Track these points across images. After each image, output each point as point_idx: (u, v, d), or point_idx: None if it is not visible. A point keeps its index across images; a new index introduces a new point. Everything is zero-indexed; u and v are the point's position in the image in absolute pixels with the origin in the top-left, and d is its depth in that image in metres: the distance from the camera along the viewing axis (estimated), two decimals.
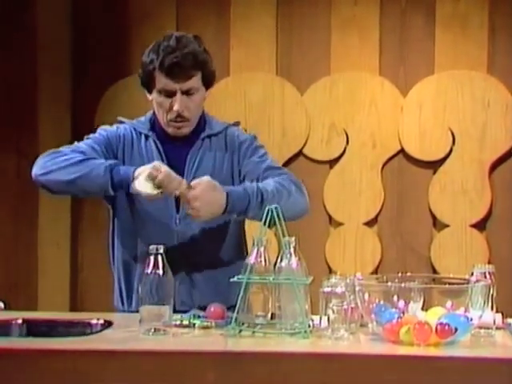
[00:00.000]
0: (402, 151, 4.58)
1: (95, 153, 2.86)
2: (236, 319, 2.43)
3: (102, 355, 2.23)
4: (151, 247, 2.43)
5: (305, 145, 4.61)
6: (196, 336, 2.46)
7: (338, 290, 2.37)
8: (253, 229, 2.78)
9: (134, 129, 2.96)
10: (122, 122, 3.00)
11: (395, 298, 2.34)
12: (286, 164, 4.50)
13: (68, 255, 4.73)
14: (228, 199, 2.73)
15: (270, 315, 2.49)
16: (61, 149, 2.88)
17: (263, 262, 2.46)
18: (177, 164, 2.89)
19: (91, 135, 2.96)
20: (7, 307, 2.78)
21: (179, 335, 2.43)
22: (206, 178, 2.74)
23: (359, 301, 2.37)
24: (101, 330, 2.53)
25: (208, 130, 2.96)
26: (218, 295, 2.73)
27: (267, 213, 2.47)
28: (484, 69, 4.52)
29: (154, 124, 2.96)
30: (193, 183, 2.72)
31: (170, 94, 2.84)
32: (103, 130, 2.98)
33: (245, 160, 2.94)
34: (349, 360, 2.20)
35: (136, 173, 2.72)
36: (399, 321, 2.29)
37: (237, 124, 3.05)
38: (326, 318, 2.38)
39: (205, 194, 2.70)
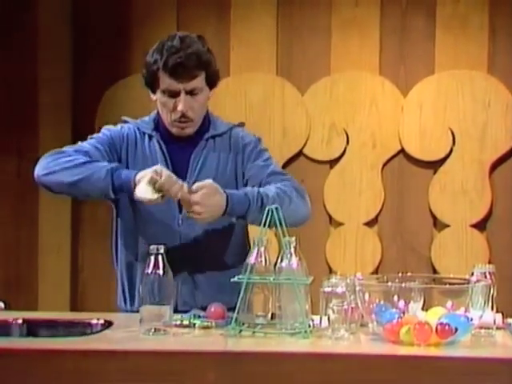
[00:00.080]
0: (402, 151, 4.58)
1: (98, 152, 2.86)
2: (236, 319, 2.43)
3: (103, 355, 2.23)
4: (151, 247, 2.43)
5: (305, 145, 4.61)
6: (196, 336, 2.46)
7: (339, 290, 2.37)
8: (254, 229, 2.78)
9: (138, 129, 2.96)
10: (126, 122, 3.00)
11: (395, 298, 2.34)
12: (287, 164, 4.51)
13: (68, 255, 4.73)
14: (228, 202, 2.73)
15: (270, 315, 2.49)
16: (64, 149, 2.87)
17: (263, 262, 2.46)
18: (180, 164, 2.89)
19: (95, 135, 2.96)
20: (7, 307, 2.78)
21: (179, 335, 2.43)
22: (208, 182, 2.73)
23: (359, 301, 2.37)
24: (101, 330, 2.53)
25: (212, 131, 2.96)
26: (221, 296, 2.72)
27: (267, 213, 2.47)
28: (484, 69, 4.52)
29: (157, 124, 2.96)
30: (194, 186, 2.72)
31: (174, 94, 2.84)
32: (107, 130, 2.97)
33: (249, 163, 2.93)
34: (349, 360, 2.20)
35: (137, 177, 2.71)
36: (399, 321, 2.29)
37: (241, 125, 3.04)
38: (327, 318, 2.38)
39: (206, 198, 2.70)
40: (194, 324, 2.54)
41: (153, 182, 2.68)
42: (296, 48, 4.62)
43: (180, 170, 2.86)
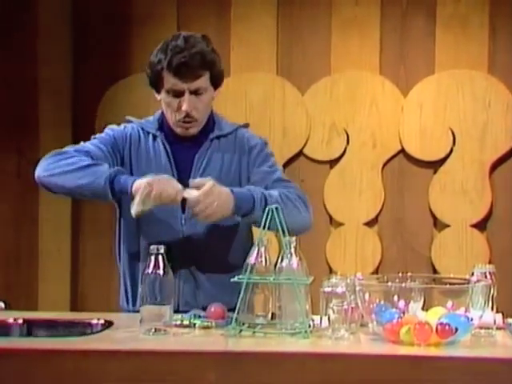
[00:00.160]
0: (402, 151, 4.58)
1: (101, 153, 2.86)
2: (236, 319, 2.43)
3: (103, 355, 2.23)
4: (152, 247, 2.44)
5: (305, 145, 4.61)
6: (196, 336, 2.46)
7: (339, 289, 2.37)
8: (256, 229, 2.78)
9: (142, 128, 2.96)
10: (129, 122, 3.00)
11: (395, 297, 2.34)
12: (287, 164, 4.51)
13: (68, 255, 4.73)
14: (235, 199, 2.73)
15: (270, 315, 2.49)
16: (65, 149, 2.86)
17: (264, 262, 2.46)
18: (184, 164, 2.89)
19: (98, 135, 2.96)
20: (8, 307, 2.79)
21: (180, 335, 2.43)
22: (209, 181, 2.73)
23: (359, 301, 2.37)
24: (101, 330, 2.53)
25: (217, 131, 2.95)
26: (223, 296, 2.72)
27: (267, 213, 2.47)
28: (485, 68, 4.52)
29: (162, 124, 2.95)
30: (191, 184, 2.71)
31: (179, 94, 2.84)
32: (110, 130, 2.97)
33: (254, 168, 2.93)
34: (349, 360, 2.20)
35: (134, 188, 2.70)
36: (399, 321, 2.29)
37: (246, 126, 3.04)
38: (327, 317, 2.38)
39: (206, 196, 2.69)
40: (195, 324, 2.54)
41: (146, 195, 2.67)
42: (296, 48, 4.62)
43: (184, 170, 2.86)
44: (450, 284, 2.46)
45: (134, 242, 2.92)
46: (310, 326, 2.41)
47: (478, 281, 2.41)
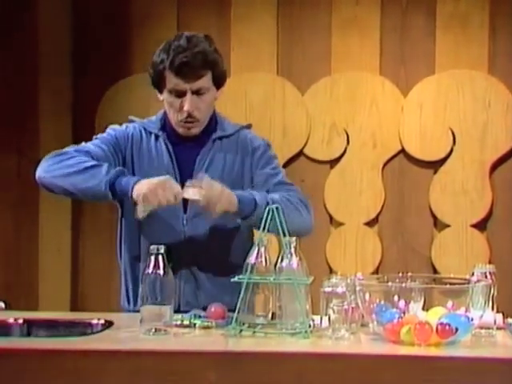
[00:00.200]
0: (402, 151, 4.58)
1: (103, 153, 2.86)
2: (237, 319, 2.43)
3: (103, 355, 2.23)
4: (152, 247, 2.44)
5: (305, 145, 4.61)
6: (197, 336, 2.46)
7: (339, 289, 2.37)
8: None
9: (144, 128, 2.96)
10: (132, 121, 3.00)
11: (396, 297, 2.34)
12: (287, 164, 4.50)
13: (69, 255, 4.73)
14: (238, 199, 2.73)
15: (270, 315, 2.49)
16: (67, 149, 2.86)
17: (264, 262, 2.46)
18: (186, 164, 2.89)
19: (99, 135, 2.96)
20: (8, 307, 2.79)
21: (180, 335, 2.43)
22: (206, 178, 2.73)
23: (360, 301, 2.37)
24: (101, 330, 2.53)
25: (219, 132, 2.95)
26: (224, 296, 2.72)
27: (268, 213, 2.47)
28: (485, 68, 4.52)
29: (164, 124, 2.95)
30: (188, 183, 2.72)
31: (181, 94, 2.84)
32: (112, 130, 2.97)
33: (257, 170, 2.93)
34: (349, 360, 2.20)
35: (135, 192, 2.69)
36: (400, 321, 2.29)
37: (249, 126, 3.04)
38: (327, 317, 2.38)
39: (211, 186, 2.70)
40: (195, 324, 2.54)
41: (146, 203, 2.68)
42: (296, 48, 4.62)
43: (186, 170, 2.86)
44: (451, 284, 2.46)
45: (135, 242, 2.92)
46: (310, 326, 2.41)
47: (478, 281, 2.40)
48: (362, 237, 4.58)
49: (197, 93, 2.84)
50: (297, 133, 4.60)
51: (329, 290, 2.39)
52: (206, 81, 2.84)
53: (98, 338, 2.42)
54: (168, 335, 2.39)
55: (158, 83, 2.88)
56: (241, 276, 2.44)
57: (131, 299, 2.93)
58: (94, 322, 2.63)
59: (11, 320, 2.65)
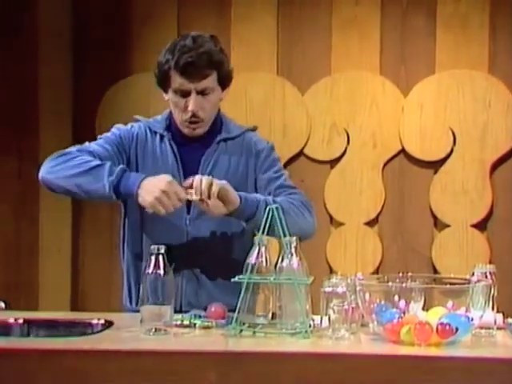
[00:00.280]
0: (402, 151, 4.58)
1: (106, 153, 2.86)
2: (237, 319, 2.43)
3: (103, 355, 2.23)
4: (152, 247, 2.43)
5: (306, 145, 4.61)
6: (197, 336, 2.46)
7: (339, 289, 2.37)
8: None
9: (149, 128, 2.95)
10: (137, 121, 3.00)
11: (396, 297, 2.34)
12: (287, 164, 4.50)
13: (69, 255, 4.73)
14: (241, 199, 2.73)
15: (270, 315, 2.49)
16: (70, 149, 2.86)
17: (264, 262, 2.46)
18: (191, 165, 2.89)
19: (104, 134, 2.95)
20: (8, 307, 2.78)
21: (180, 335, 2.43)
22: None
23: (360, 301, 2.37)
24: (102, 330, 2.53)
25: (224, 133, 2.95)
26: (225, 297, 2.71)
27: (268, 212, 2.47)
28: (485, 68, 4.52)
29: (170, 124, 2.95)
30: (185, 183, 2.73)
31: (185, 94, 2.84)
32: (117, 129, 2.97)
33: (260, 173, 2.93)
34: (349, 360, 2.20)
35: (140, 201, 2.70)
36: (400, 321, 2.29)
37: (254, 129, 3.04)
38: (327, 317, 2.38)
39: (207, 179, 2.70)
40: (195, 324, 2.54)
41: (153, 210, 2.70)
42: (296, 48, 4.62)
43: (190, 171, 2.85)
44: (451, 284, 2.45)
45: (138, 242, 2.92)
46: (310, 325, 2.41)
47: (478, 281, 2.40)
48: (362, 237, 4.58)
49: (202, 93, 2.83)
50: (297, 133, 4.60)
51: (329, 289, 2.39)
52: (210, 81, 2.84)
53: (98, 338, 2.42)
54: (168, 335, 2.39)
55: (163, 83, 2.88)
56: (241, 276, 2.44)
57: (133, 298, 2.93)
58: (94, 321, 2.63)
59: (11, 320, 2.65)
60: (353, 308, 2.37)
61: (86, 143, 2.91)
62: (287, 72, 4.63)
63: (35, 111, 4.66)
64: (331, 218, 4.61)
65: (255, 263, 2.45)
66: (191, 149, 2.92)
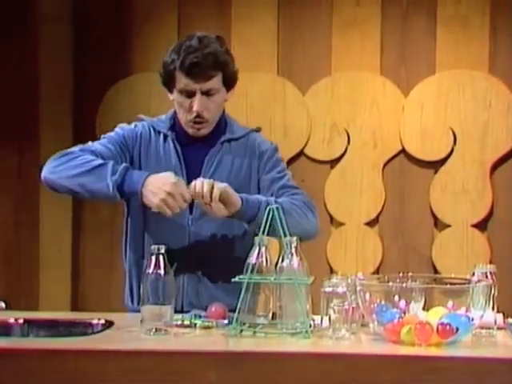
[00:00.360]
0: (403, 151, 4.58)
1: (109, 152, 2.85)
2: (237, 319, 2.43)
3: (104, 355, 2.23)
4: (152, 247, 2.43)
5: (306, 145, 4.61)
6: (197, 336, 2.46)
7: (339, 289, 2.37)
8: None
9: (153, 127, 2.95)
10: (141, 120, 3.00)
11: (396, 297, 2.34)
12: (288, 164, 4.47)
13: (69, 255, 4.73)
14: (242, 201, 2.73)
15: (271, 315, 2.49)
16: (73, 149, 2.85)
17: (264, 262, 2.46)
18: (194, 165, 2.89)
19: (107, 134, 2.95)
20: (8, 307, 2.78)
21: (180, 335, 2.43)
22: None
23: (360, 301, 2.37)
24: (102, 330, 2.53)
25: (229, 134, 2.95)
26: (226, 298, 2.72)
27: (268, 212, 2.47)
28: (485, 68, 4.52)
29: (174, 123, 2.95)
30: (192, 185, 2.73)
31: (190, 94, 2.83)
32: (120, 129, 2.97)
33: (263, 173, 2.93)
34: (350, 360, 2.20)
35: (146, 201, 2.70)
36: (400, 321, 2.29)
37: (258, 130, 3.04)
38: (327, 317, 2.38)
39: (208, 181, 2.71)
40: (195, 324, 2.54)
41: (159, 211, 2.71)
42: (297, 48, 4.62)
43: (193, 171, 2.85)
44: (451, 284, 2.45)
45: (140, 241, 2.92)
46: (310, 326, 2.41)
47: (478, 281, 2.40)
48: (362, 237, 4.58)
49: (206, 93, 2.83)
50: (297, 133, 4.60)
51: (329, 289, 2.39)
52: (216, 82, 2.84)
53: (99, 338, 2.42)
54: (168, 335, 2.39)
55: (169, 83, 2.88)
56: (241, 276, 2.44)
57: (135, 298, 2.93)
58: (95, 321, 2.63)
59: (11, 320, 2.65)
60: (353, 308, 2.37)
61: (89, 143, 2.91)
62: (288, 72, 4.63)
63: (36, 111, 4.66)
64: (331, 218, 4.61)
65: (256, 263, 2.45)
66: (195, 149, 2.92)
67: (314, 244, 4.34)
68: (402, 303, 2.33)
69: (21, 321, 2.65)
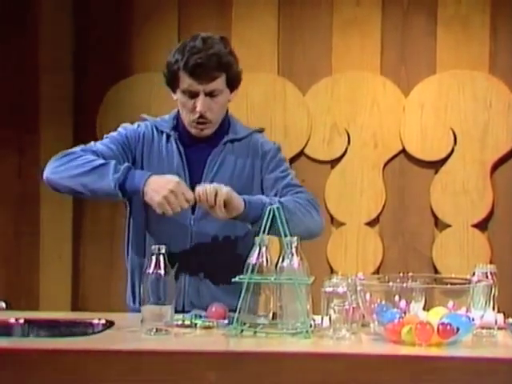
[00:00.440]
0: (403, 151, 4.58)
1: (111, 152, 2.86)
2: (237, 319, 2.43)
3: (104, 355, 2.23)
4: (153, 247, 2.43)
5: (306, 145, 4.61)
6: (197, 336, 2.46)
7: (340, 289, 2.37)
8: None
9: (156, 127, 2.95)
10: (144, 120, 3.00)
11: (397, 297, 2.34)
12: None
13: (70, 255, 4.73)
14: (245, 204, 2.73)
15: (271, 315, 2.49)
16: (74, 149, 2.86)
17: (265, 262, 2.46)
18: (197, 166, 2.89)
19: (110, 134, 2.96)
20: (9, 307, 2.78)
21: (181, 335, 2.43)
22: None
23: (361, 301, 2.37)
24: (102, 330, 2.53)
25: (231, 135, 2.95)
26: (228, 298, 2.71)
27: (268, 212, 2.47)
28: (486, 68, 4.52)
29: (177, 123, 2.95)
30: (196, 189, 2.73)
31: (194, 95, 2.84)
32: (123, 129, 2.97)
33: (267, 173, 2.93)
34: (350, 360, 2.20)
35: (148, 198, 2.70)
36: (401, 321, 2.29)
37: (261, 130, 3.04)
38: (328, 317, 2.38)
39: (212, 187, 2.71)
40: (196, 324, 2.54)
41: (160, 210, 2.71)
42: (297, 48, 4.62)
43: (196, 171, 2.86)
44: (452, 284, 2.45)
45: (142, 241, 2.92)
46: (311, 326, 2.41)
47: (479, 281, 2.40)
48: (362, 237, 4.58)
49: (210, 94, 2.83)
50: (298, 133, 4.60)
51: (330, 289, 2.39)
52: (219, 83, 2.84)
53: (99, 338, 2.42)
54: (169, 335, 2.39)
55: (172, 83, 2.88)
56: (242, 276, 2.44)
57: (137, 298, 2.93)
58: (95, 321, 2.63)
59: (12, 320, 2.65)
60: (353, 308, 2.37)
61: (91, 143, 2.91)
62: (288, 72, 4.63)
63: (36, 111, 4.66)
64: (332, 218, 4.61)
65: (256, 263, 2.45)
66: (198, 149, 2.92)
67: (315, 244, 4.34)
68: (403, 303, 2.33)
69: (21, 321, 2.65)
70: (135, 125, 2.98)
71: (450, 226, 4.54)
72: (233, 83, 2.90)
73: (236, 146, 2.94)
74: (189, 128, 2.91)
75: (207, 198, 2.68)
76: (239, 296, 2.42)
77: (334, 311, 2.35)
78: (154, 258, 2.42)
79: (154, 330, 2.39)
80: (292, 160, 4.57)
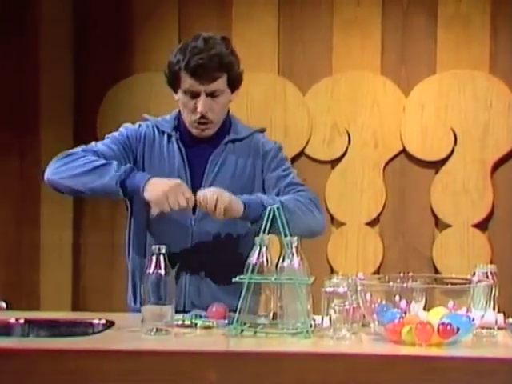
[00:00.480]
0: (403, 151, 4.58)
1: (112, 153, 2.86)
2: (238, 319, 2.43)
3: (104, 355, 2.23)
4: (153, 247, 2.43)
5: (307, 145, 4.61)
6: (198, 336, 2.46)
7: (340, 289, 2.37)
8: None
9: (157, 127, 2.95)
10: (145, 120, 2.99)
11: (397, 297, 2.34)
12: None
13: (70, 255, 4.73)
14: (245, 205, 2.73)
15: (271, 315, 2.49)
16: (75, 150, 2.86)
17: (265, 262, 2.46)
18: (198, 166, 2.89)
19: (111, 134, 2.96)
20: (9, 307, 2.78)
21: (181, 335, 2.43)
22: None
23: (361, 301, 2.37)
24: (103, 330, 2.53)
25: (233, 135, 2.95)
26: (228, 298, 2.71)
27: (269, 212, 2.47)
28: (486, 68, 4.52)
29: (178, 123, 2.95)
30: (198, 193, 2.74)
31: (195, 95, 2.83)
32: (124, 129, 2.97)
33: (268, 172, 2.93)
34: (351, 360, 2.20)
35: (147, 195, 2.70)
36: (401, 321, 2.29)
37: (262, 130, 3.04)
38: (328, 317, 2.38)
39: (214, 191, 2.71)
40: (196, 324, 2.54)
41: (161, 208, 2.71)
42: (298, 48, 4.62)
43: (197, 171, 2.86)
44: (452, 284, 2.45)
45: (143, 241, 2.92)
46: (311, 326, 2.41)
47: (479, 281, 2.40)
48: (363, 237, 4.58)
49: (211, 95, 2.83)
50: (298, 133, 4.61)
51: (330, 289, 2.39)
52: (220, 83, 2.84)
53: (100, 338, 2.42)
54: (169, 335, 2.39)
55: (173, 83, 2.88)
56: (242, 276, 2.44)
57: (138, 298, 2.93)
58: (96, 321, 2.63)
59: (12, 320, 2.65)
60: (354, 308, 2.37)
61: (92, 143, 2.91)
62: (288, 72, 4.63)
63: (36, 111, 4.66)
64: (332, 217, 4.61)
65: (256, 263, 2.45)
66: (199, 149, 2.92)
67: (315, 244, 4.36)
68: (403, 303, 2.33)
69: (21, 321, 2.65)
70: (136, 125, 2.98)
71: (450, 225, 4.54)
72: (234, 83, 2.90)
73: (237, 146, 2.94)
74: (190, 128, 2.90)
75: (207, 205, 2.69)
76: (239, 296, 2.42)
77: (335, 311, 2.35)
78: (154, 258, 2.42)
79: (155, 330, 2.39)
80: (292, 160, 4.56)
